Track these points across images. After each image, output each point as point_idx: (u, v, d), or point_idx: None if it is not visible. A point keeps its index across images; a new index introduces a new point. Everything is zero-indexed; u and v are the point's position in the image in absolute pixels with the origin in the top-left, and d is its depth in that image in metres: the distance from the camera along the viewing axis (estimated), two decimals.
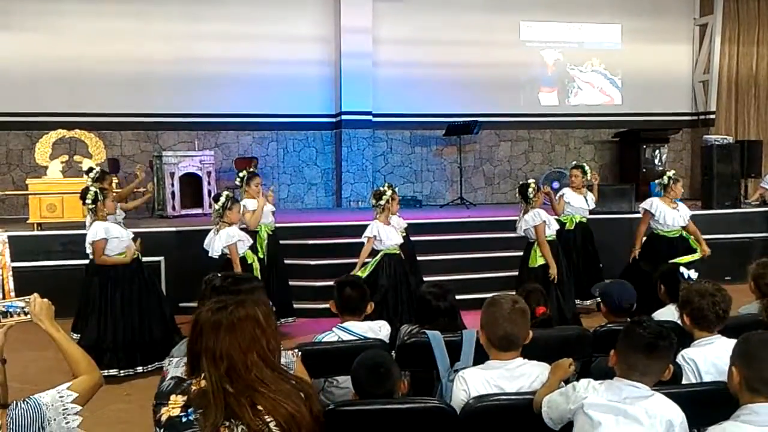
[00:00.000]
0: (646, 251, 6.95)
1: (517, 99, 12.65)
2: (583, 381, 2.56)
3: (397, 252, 6.31)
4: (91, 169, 6.98)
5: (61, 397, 2.17)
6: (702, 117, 13.27)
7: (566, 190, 7.70)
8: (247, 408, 1.94)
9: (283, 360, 2.42)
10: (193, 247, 6.97)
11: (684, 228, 6.92)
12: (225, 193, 6.32)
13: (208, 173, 10.09)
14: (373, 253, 6.24)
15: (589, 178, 7.71)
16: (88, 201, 5.78)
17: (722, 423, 2.37)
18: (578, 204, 7.62)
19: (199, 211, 9.85)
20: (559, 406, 2.54)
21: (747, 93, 13.25)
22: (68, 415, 2.15)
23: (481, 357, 2.99)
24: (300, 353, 2.66)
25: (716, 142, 10.70)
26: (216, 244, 6.00)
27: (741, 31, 13.10)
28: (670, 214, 6.84)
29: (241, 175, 6.96)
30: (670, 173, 7.01)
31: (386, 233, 6.18)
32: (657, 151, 11.98)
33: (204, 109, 11.23)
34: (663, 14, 13.04)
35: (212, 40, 11.13)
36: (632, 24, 12.89)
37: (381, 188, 6.44)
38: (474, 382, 2.78)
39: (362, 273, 5.88)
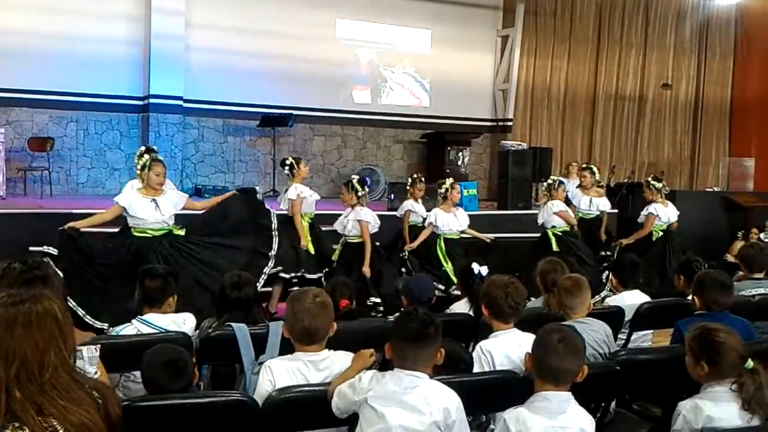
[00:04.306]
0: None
1: (332, 95, 12.76)
2: (369, 373, 2.62)
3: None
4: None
5: None
6: (500, 123, 14.17)
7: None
8: (32, 412, 1.79)
9: (86, 354, 2.29)
10: None
11: (462, 232, 7.39)
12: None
13: None
14: None
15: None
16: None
17: (518, 407, 2.54)
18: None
19: None
20: (347, 397, 2.59)
21: (541, 103, 14.35)
22: None
23: (287, 350, 2.99)
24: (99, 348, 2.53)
25: (512, 148, 11.50)
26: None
27: (538, 44, 14.16)
28: (446, 219, 7.24)
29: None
30: (449, 181, 7.51)
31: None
32: (460, 153, 12.67)
33: None
34: (469, 24, 13.74)
35: (3, 9, 10.14)
36: (441, 31, 13.46)
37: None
38: (279, 373, 2.77)
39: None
